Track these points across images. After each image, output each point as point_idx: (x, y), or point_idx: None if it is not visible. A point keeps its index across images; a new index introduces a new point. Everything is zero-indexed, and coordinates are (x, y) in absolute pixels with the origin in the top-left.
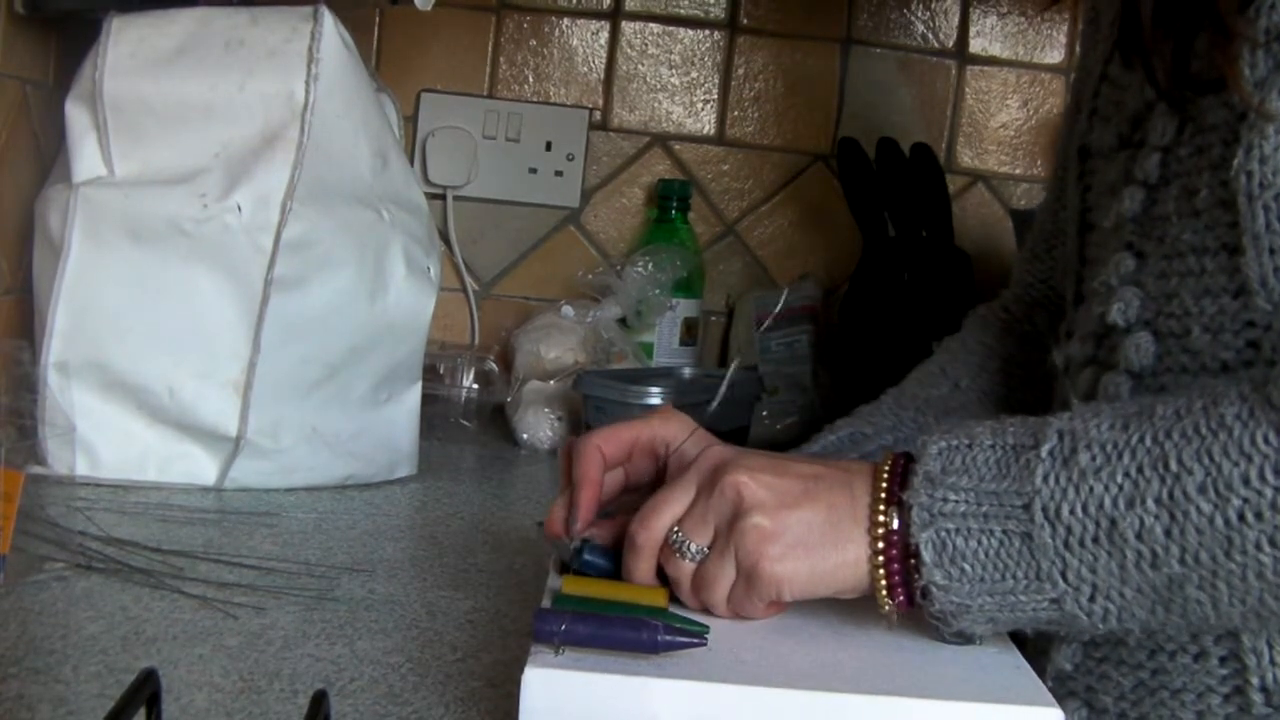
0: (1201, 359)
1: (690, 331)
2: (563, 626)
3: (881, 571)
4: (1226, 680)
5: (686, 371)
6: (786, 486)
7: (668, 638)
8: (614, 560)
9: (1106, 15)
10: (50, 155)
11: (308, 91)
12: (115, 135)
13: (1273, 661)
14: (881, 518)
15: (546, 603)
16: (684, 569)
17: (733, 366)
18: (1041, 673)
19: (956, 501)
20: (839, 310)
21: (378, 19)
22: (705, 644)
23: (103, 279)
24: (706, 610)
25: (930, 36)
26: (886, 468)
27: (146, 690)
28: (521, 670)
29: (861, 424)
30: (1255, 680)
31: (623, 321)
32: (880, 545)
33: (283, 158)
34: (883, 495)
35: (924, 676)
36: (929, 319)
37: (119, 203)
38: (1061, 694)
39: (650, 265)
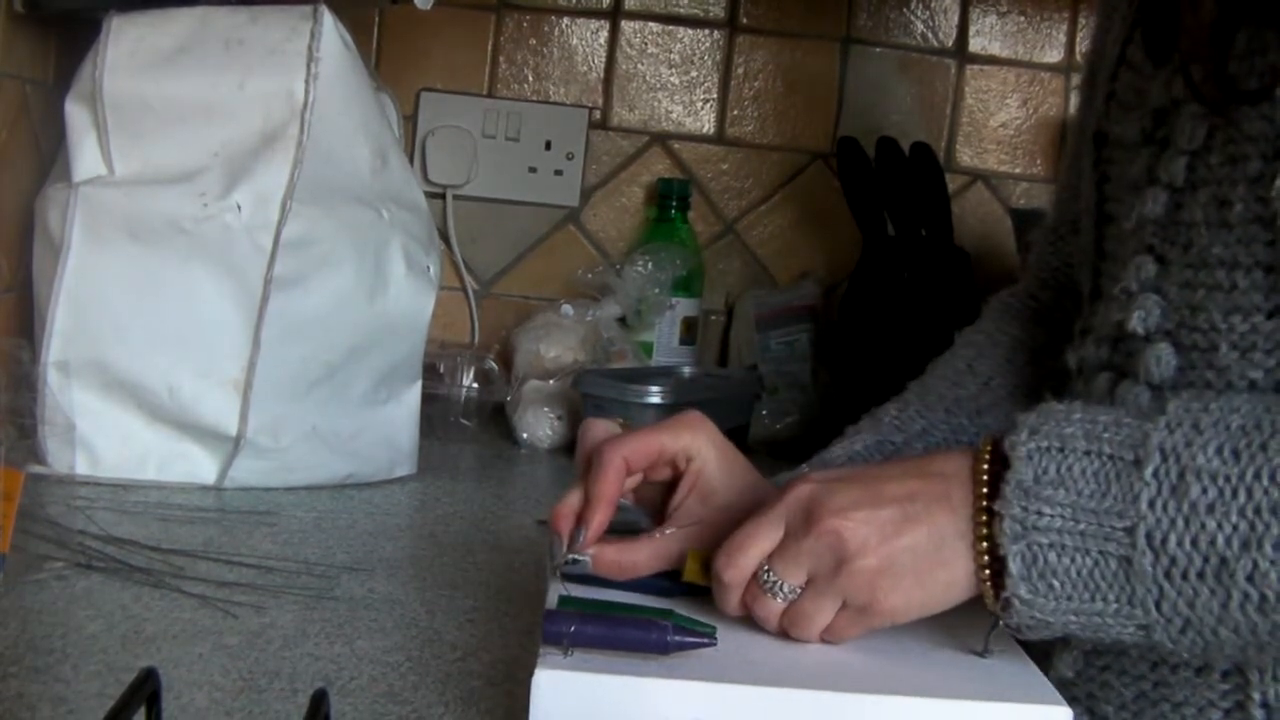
0: (1228, 376)
1: (690, 330)
2: (572, 628)
3: (989, 585)
4: (1228, 695)
5: (686, 370)
6: (885, 517)
7: (677, 638)
8: (596, 581)
9: None
10: (50, 155)
11: (307, 90)
12: (115, 134)
13: (1275, 677)
14: (985, 530)
15: (551, 602)
16: (774, 607)
17: None
18: None
19: (1052, 516)
20: (839, 309)
21: (378, 18)
22: (714, 644)
23: (103, 278)
24: (788, 637)
25: (930, 35)
26: (985, 471)
27: (146, 689)
28: (522, 668)
29: (889, 432)
30: (1257, 696)
31: (622, 320)
32: (986, 559)
33: (282, 157)
34: (983, 505)
35: (931, 676)
36: (929, 318)
37: (119, 202)
38: None
39: (650, 264)
